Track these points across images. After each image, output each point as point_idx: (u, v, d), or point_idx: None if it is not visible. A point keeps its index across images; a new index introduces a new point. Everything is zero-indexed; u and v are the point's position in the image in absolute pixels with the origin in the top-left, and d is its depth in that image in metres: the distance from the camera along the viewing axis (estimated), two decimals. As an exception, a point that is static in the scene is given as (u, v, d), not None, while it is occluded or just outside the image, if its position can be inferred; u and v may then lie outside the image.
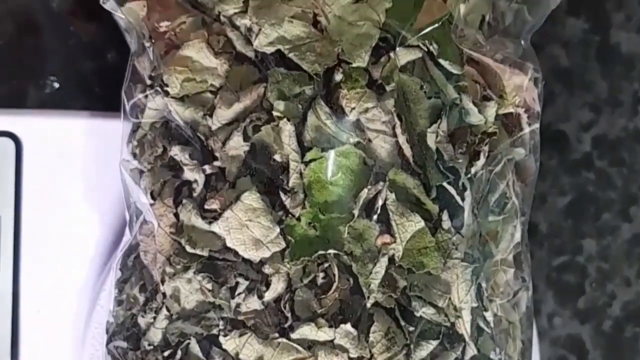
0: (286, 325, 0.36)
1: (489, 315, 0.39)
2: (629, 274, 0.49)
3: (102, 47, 0.44)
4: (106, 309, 0.41)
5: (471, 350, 0.38)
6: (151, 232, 0.39)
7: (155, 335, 0.39)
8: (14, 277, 0.45)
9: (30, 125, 0.45)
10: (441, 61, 0.38)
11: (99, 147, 0.43)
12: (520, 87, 0.42)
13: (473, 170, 0.38)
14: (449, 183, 0.37)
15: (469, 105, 0.38)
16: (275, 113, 0.36)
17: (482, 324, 0.39)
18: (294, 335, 0.36)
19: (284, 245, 0.36)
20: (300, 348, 0.36)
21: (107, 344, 0.41)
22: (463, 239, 0.38)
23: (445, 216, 0.37)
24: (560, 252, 0.49)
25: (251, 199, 0.36)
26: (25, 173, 0.45)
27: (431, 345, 0.37)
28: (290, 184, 0.36)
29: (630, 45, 0.48)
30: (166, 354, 0.38)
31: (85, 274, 0.46)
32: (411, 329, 0.37)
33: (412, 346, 0.37)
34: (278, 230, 0.36)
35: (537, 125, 0.42)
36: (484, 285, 0.39)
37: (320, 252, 0.36)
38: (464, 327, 0.38)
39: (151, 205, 0.39)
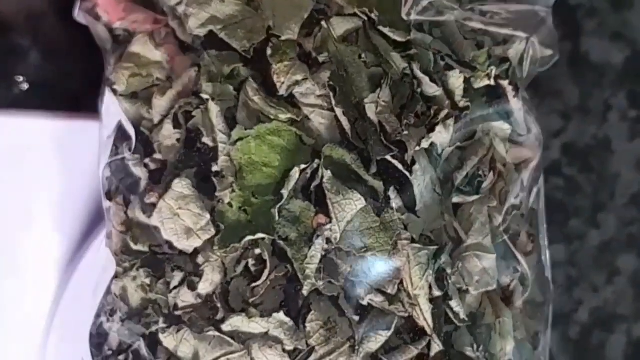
0: (218, 318, 0.34)
1: (455, 306, 0.34)
2: (597, 281, 0.47)
3: (71, 48, 0.44)
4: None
5: (437, 345, 0.34)
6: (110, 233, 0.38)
7: (114, 340, 0.37)
8: None
9: None
10: (382, 29, 0.35)
11: (65, 148, 0.43)
12: (505, 58, 0.38)
13: (425, 143, 0.34)
14: (395, 157, 0.34)
15: (419, 75, 0.35)
16: (203, 95, 0.35)
17: (451, 316, 0.35)
18: (225, 328, 0.34)
19: (213, 232, 0.34)
20: (231, 341, 0.34)
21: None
22: (419, 219, 0.34)
23: (392, 194, 0.34)
24: (528, 258, 0.46)
25: (181, 185, 0.35)
26: None
27: (382, 337, 0.33)
28: (219, 167, 0.34)
29: (601, 53, 0.46)
30: (121, 357, 0.37)
31: (47, 276, 0.44)
32: (356, 318, 0.33)
33: (357, 337, 0.33)
34: (208, 217, 0.34)
35: (521, 98, 0.38)
36: (448, 271, 0.34)
37: (250, 237, 0.34)
38: (423, 317, 0.34)
39: (107, 208, 0.38)
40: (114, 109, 0.39)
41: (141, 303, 0.36)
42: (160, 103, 0.36)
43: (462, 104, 0.36)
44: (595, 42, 0.46)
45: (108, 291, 0.38)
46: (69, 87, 0.44)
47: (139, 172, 0.37)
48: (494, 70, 0.37)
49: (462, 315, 0.34)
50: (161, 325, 0.35)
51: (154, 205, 0.36)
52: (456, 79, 0.36)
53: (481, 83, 0.37)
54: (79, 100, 0.42)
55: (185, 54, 0.37)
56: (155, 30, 0.38)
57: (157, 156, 0.36)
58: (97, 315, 0.39)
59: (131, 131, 0.37)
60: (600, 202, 0.46)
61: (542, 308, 0.39)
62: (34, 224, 0.43)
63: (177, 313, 0.35)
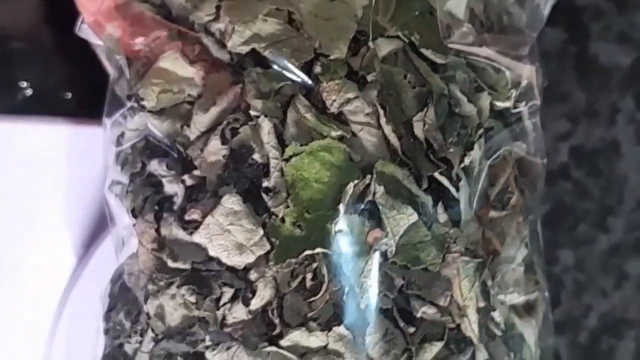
0: (275, 333, 0.34)
1: (497, 316, 0.36)
2: (605, 285, 0.47)
3: (74, 53, 0.43)
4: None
5: (482, 355, 0.35)
6: (134, 253, 0.37)
7: (143, 361, 0.36)
8: None
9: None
10: (423, 51, 0.36)
11: (70, 155, 0.42)
12: (518, 82, 0.40)
13: (467, 161, 0.36)
14: (441, 174, 0.35)
15: (458, 95, 0.36)
16: (252, 112, 0.35)
17: (491, 326, 0.36)
18: (283, 343, 0.34)
19: (268, 247, 0.34)
20: (292, 356, 0.33)
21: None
22: (462, 233, 0.35)
23: (440, 208, 0.35)
24: (536, 263, 0.46)
25: (232, 201, 0.34)
26: None
27: (435, 347, 0.34)
28: (272, 183, 0.34)
29: (609, 56, 0.46)
30: (155, 379, 0.36)
31: (52, 282, 0.43)
32: (411, 330, 0.34)
33: (413, 349, 0.34)
34: (262, 232, 0.34)
35: (536, 119, 0.40)
36: (489, 283, 0.36)
37: (307, 251, 0.34)
38: (471, 327, 0.35)
39: (133, 224, 0.37)
40: (131, 125, 0.38)
41: (183, 321, 0.35)
42: (202, 119, 0.36)
43: (487, 124, 0.38)
44: (602, 44, 0.45)
45: (138, 312, 0.37)
46: (73, 93, 0.43)
47: (175, 188, 0.36)
48: (514, 93, 0.39)
49: (502, 325, 0.36)
50: (207, 342, 0.35)
51: (195, 222, 0.35)
52: (484, 100, 0.38)
53: (501, 105, 0.39)
54: (82, 106, 0.41)
55: (220, 71, 0.37)
56: (186, 47, 0.37)
57: (197, 172, 0.36)
58: (115, 337, 0.38)
59: (165, 147, 0.37)
60: (608, 206, 0.46)
61: (548, 319, 0.41)
62: (38, 229, 0.42)
63: (227, 330, 0.34)
